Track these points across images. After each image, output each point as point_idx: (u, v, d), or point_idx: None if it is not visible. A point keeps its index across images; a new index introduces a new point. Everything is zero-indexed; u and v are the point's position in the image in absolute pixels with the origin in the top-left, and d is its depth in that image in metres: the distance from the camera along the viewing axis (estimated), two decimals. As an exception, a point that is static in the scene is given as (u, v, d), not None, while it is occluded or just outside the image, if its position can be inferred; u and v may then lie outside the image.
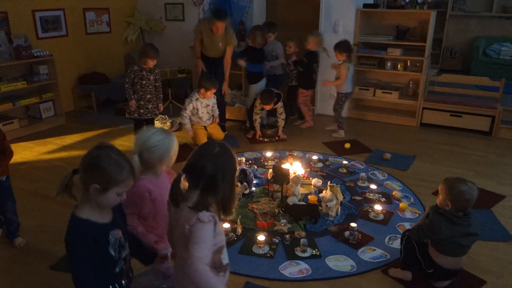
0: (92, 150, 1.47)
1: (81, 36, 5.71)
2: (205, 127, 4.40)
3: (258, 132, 4.62)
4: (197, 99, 4.24)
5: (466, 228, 2.21)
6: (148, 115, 4.19)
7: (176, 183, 1.52)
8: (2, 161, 2.52)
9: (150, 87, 4.10)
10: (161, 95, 4.28)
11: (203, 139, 4.27)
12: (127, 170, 1.46)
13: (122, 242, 1.52)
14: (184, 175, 1.51)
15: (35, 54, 4.75)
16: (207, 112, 4.33)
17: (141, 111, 4.14)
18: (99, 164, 1.42)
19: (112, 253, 1.47)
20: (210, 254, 1.46)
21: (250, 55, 4.75)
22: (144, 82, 4.05)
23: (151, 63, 4.00)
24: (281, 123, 4.61)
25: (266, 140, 4.62)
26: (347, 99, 4.85)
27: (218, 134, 4.45)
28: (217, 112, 4.45)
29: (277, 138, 4.65)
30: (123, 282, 1.57)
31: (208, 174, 1.46)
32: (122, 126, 5.06)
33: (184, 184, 1.51)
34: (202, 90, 4.17)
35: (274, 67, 4.94)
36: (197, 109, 4.27)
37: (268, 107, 4.45)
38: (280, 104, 4.49)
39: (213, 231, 1.47)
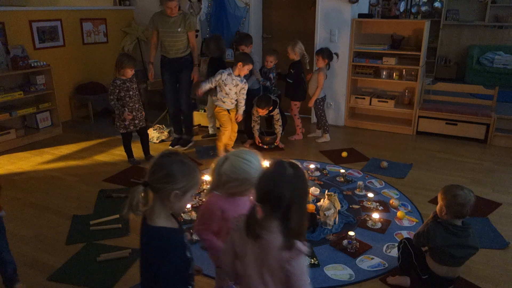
0: (161, 160, 1.47)
1: (78, 46, 5.73)
2: (228, 111, 4.23)
3: (257, 139, 4.60)
4: (229, 74, 4.07)
5: (463, 239, 2.18)
6: (141, 123, 4.14)
7: (252, 216, 1.42)
8: None
9: (137, 95, 4.08)
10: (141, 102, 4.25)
11: (226, 123, 4.21)
12: (198, 171, 1.52)
13: (189, 245, 1.59)
14: (259, 206, 1.40)
15: (32, 65, 4.76)
16: (235, 93, 4.13)
17: (136, 121, 4.08)
18: (174, 171, 1.43)
19: (188, 255, 1.52)
20: None
21: (210, 65, 4.66)
22: (131, 93, 3.99)
23: (130, 72, 3.93)
24: (278, 129, 4.62)
25: (265, 147, 4.62)
26: (324, 102, 4.95)
27: (234, 128, 4.36)
28: (242, 109, 4.26)
29: (276, 144, 4.65)
30: (193, 283, 1.60)
31: (287, 202, 1.34)
32: (120, 136, 5.05)
33: (260, 214, 1.41)
34: (240, 65, 4.02)
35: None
36: (225, 84, 4.07)
37: (262, 112, 4.43)
38: (276, 111, 4.51)
39: None
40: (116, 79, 3.94)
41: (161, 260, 1.43)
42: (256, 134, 4.61)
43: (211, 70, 4.54)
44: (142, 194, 1.46)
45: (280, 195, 1.34)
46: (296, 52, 4.74)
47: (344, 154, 4.41)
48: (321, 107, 4.88)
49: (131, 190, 1.46)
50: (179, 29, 4.29)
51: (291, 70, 4.82)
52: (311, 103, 4.86)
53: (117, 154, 4.53)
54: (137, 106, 4.07)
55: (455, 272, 2.29)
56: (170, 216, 1.51)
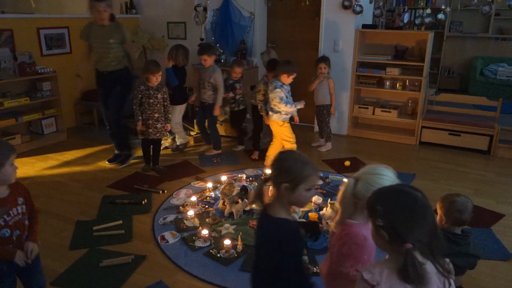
0: (278, 154, 1.63)
1: (84, 54, 5.77)
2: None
3: (267, 119, 4.23)
4: (282, 85, 3.97)
5: (463, 247, 2.15)
6: (157, 135, 4.12)
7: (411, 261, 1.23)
8: (34, 225, 2.01)
9: (158, 105, 4.03)
10: (169, 115, 4.17)
11: (292, 133, 4.15)
12: (311, 166, 1.57)
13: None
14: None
15: (39, 71, 4.82)
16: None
17: (150, 130, 4.06)
18: (285, 164, 1.56)
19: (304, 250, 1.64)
20: None
21: (174, 73, 4.57)
22: (151, 100, 4.00)
23: (154, 79, 3.93)
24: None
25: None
26: (329, 110, 4.96)
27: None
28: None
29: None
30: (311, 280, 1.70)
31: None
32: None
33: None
34: (284, 76, 3.93)
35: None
36: (286, 96, 4.00)
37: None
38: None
39: None
40: (141, 84, 4.00)
41: (283, 249, 1.51)
42: (265, 114, 4.26)
43: (173, 78, 4.53)
44: (265, 188, 1.62)
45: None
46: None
47: (347, 163, 4.42)
48: (327, 115, 4.91)
49: (259, 183, 1.64)
50: (111, 40, 4.01)
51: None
52: (333, 111, 4.94)
53: (121, 160, 4.55)
54: (156, 116, 4.04)
55: (457, 281, 2.27)
56: (288, 208, 1.61)
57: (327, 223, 2.98)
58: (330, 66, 4.86)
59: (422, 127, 5.12)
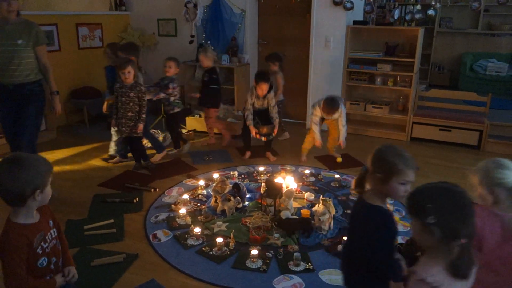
0: (378, 147, 1.68)
1: (73, 51, 5.72)
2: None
3: (253, 130, 4.30)
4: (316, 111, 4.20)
5: None
6: (131, 133, 3.97)
7: None
8: (65, 247, 1.81)
9: (131, 104, 3.88)
10: (143, 115, 3.94)
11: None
12: (406, 162, 1.62)
13: None
14: None
15: (27, 69, 4.74)
16: None
17: (123, 129, 3.96)
18: (382, 155, 1.63)
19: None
20: None
21: (111, 74, 4.33)
22: (123, 99, 3.88)
23: (122, 75, 3.78)
24: (275, 116, 4.34)
25: (263, 138, 4.34)
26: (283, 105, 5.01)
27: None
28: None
29: (273, 135, 4.39)
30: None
31: None
32: (114, 141, 5.05)
33: None
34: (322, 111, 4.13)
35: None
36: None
37: (262, 91, 4.19)
38: (272, 94, 4.30)
39: None
40: (117, 82, 3.92)
41: (376, 234, 1.59)
42: (251, 124, 4.31)
43: (111, 80, 4.23)
44: (363, 176, 1.68)
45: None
46: (210, 58, 4.66)
47: (339, 159, 4.43)
48: (280, 110, 4.81)
49: (360, 173, 1.72)
50: (19, 41, 3.07)
51: (213, 75, 4.67)
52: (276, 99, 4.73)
53: (112, 159, 4.51)
54: (129, 115, 3.91)
55: None
56: (384, 199, 1.67)
57: (319, 219, 2.98)
58: (279, 60, 4.86)
59: (413, 123, 5.15)
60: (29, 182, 1.49)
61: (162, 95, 4.42)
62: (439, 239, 1.27)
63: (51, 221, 1.71)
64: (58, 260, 1.71)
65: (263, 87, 4.20)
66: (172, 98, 4.48)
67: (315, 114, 4.23)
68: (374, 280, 1.68)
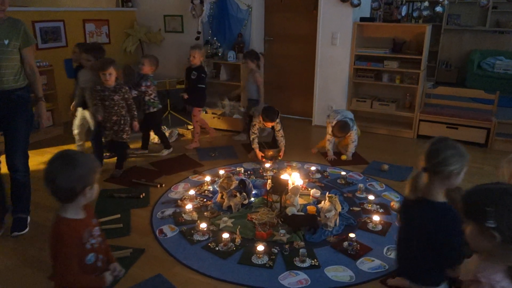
0: (434, 147, 1.78)
1: (80, 47, 5.74)
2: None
3: (259, 153, 4.25)
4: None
5: None
6: (116, 137, 3.84)
7: None
8: (106, 244, 1.80)
9: (116, 108, 3.74)
10: (135, 113, 3.86)
11: None
12: (462, 158, 1.74)
13: None
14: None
15: (35, 65, 4.77)
16: None
17: (107, 132, 3.84)
18: (449, 155, 1.72)
19: None
20: None
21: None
22: (107, 103, 3.70)
23: (103, 77, 3.61)
24: (281, 140, 4.31)
25: (269, 162, 4.22)
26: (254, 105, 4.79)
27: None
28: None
29: (279, 158, 4.32)
30: None
31: None
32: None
33: None
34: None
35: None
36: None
37: (270, 125, 4.24)
38: (277, 120, 4.26)
39: None
40: (98, 84, 3.71)
41: (452, 229, 1.62)
42: (257, 147, 4.27)
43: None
44: (423, 178, 1.76)
45: None
46: (203, 55, 4.60)
47: (344, 157, 4.42)
48: (255, 111, 4.62)
49: (415, 175, 1.81)
50: (6, 41, 2.69)
51: (202, 74, 4.54)
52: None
53: (119, 154, 4.53)
54: (114, 119, 3.77)
55: None
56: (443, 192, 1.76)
57: (325, 216, 2.98)
58: (257, 59, 4.73)
59: (420, 120, 5.12)
60: (81, 179, 1.52)
61: (134, 92, 4.17)
62: (498, 244, 1.23)
63: (95, 219, 1.74)
64: (104, 257, 1.73)
65: (269, 125, 4.24)
66: (146, 98, 4.31)
67: (328, 133, 4.41)
68: (439, 268, 1.85)
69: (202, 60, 4.65)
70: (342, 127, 4.23)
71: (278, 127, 4.29)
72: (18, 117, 2.87)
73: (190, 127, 5.28)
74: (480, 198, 1.29)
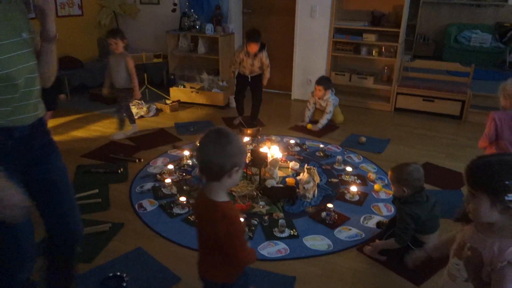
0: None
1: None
2: None
3: (232, 74, 4.58)
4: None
5: (428, 201, 2.31)
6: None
7: None
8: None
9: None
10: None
11: None
12: None
13: None
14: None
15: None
16: None
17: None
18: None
19: None
20: None
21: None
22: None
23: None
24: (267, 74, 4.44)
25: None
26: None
27: None
28: None
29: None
30: None
31: None
32: (98, 112, 4.98)
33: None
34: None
35: None
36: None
37: (254, 49, 4.19)
38: (265, 54, 4.31)
39: None
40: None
41: None
42: (235, 73, 4.55)
43: None
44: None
45: None
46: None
47: (309, 126, 4.55)
48: (128, 98, 4.26)
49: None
50: (23, 35, 1.62)
51: None
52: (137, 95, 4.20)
53: (95, 129, 4.46)
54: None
55: (435, 239, 2.33)
56: None
57: (304, 187, 3.02)
58: (124, 39, 4.01)
59: (397, 93, 5.18)
60: (232, 157, 1.45)
61: None
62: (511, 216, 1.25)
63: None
64: None
65: (253, 48, 4.21)
66: None
67: (310, 96, 4.66)
68: None
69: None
70: (321, 78, 4.55)
71: (266, 61, 4.35)
72: (54, 164, 1.87)
73: (168, 101, 5.21)
74: (495, 171, 1.28)
